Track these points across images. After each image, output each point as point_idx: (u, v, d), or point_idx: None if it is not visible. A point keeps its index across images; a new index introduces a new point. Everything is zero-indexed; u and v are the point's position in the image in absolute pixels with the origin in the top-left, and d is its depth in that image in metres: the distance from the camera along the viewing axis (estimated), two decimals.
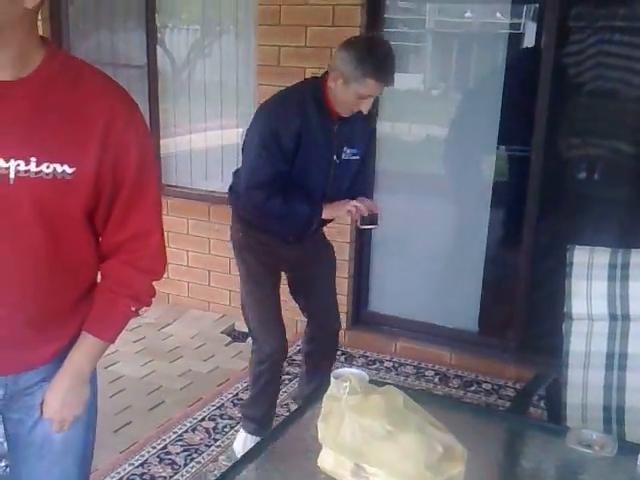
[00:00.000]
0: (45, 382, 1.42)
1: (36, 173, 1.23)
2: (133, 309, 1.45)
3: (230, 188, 2.67)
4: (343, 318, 3.83)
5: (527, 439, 1.87)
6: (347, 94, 2.34)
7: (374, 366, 3.61)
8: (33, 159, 1.23)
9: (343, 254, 3.76)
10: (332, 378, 1.65)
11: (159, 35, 4.24)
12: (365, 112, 2.41)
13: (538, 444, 1.79)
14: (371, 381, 1.71)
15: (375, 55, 2.29)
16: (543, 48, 3.29)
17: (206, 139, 4.35)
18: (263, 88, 3.74)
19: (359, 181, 2.69)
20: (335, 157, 2.50)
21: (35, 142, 1.23)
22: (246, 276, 2.71)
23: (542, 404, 2.49)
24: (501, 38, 3.57)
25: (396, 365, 3.63)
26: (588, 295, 2.25)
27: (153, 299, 1.49)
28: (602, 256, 2.26)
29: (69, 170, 1.25)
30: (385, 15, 3.61)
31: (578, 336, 2.27)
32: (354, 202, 2.48)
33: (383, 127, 3.74)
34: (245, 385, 3.33)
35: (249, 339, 3.80)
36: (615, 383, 2.21)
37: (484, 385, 3.44)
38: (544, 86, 3.27)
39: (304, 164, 2.42)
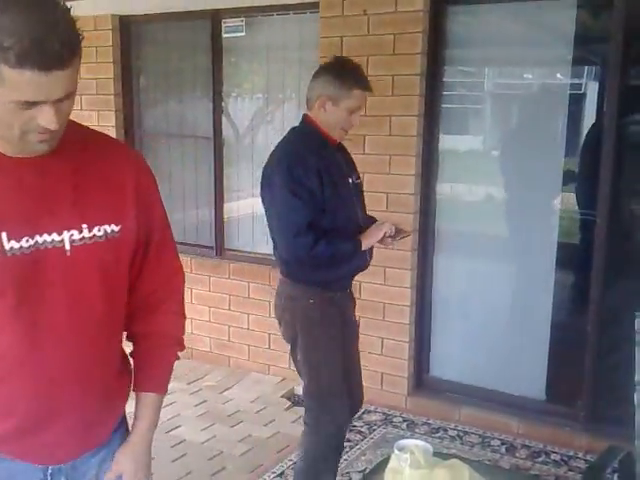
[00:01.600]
0: (104, 463, 1.41)
1: (90, 238, 1.28)
2: (179, 354, 1.49)
3: (283, 266, 2.59)
4: (404, 383, 3.78)
5: None
6: (339, 113, 2.48)
7: (437, 434, 3.51)
8: (85, 225, 1.27)
9: (403, 317, 3.73)
10: (395, 450, 1.62)
11: (223, 104, 4.41)
12: (356, 125, 2.55)
13: None
14: (435, 453, 1.66)
15: (350, 69, 2.52)
16: (605, 109, 3.26)
17: None
18: None
19: None
20: (350, 182, 2.61)
21: (82, 210, 1.28)
22: (314, 343, 2.55)
23: (615, 478, 2.36)
24: (562, 99, 3.55)
25: (460, 434, 3.52)
26: None
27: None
28: None
29: (116, 228, 1.31)
30: (444, 79, 3.66)
31: None
32: (384, 223, 2.58)
33: (443, 188, 3.75)
34: None
35: None
36: None
37: (553, 456, 3.29)
38: (608, 148, 3.22)
39: (334, 199, 2.47)
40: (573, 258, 3.61)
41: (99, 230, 1.28)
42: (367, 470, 3.07)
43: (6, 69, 1.06)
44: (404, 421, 3.65)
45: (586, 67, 3.70)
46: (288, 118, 4.29)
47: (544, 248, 3.56)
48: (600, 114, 3.30)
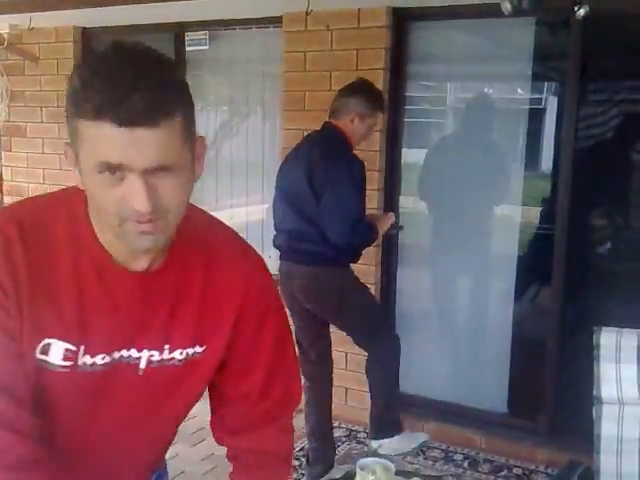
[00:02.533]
0: None
1: (169, 360, 1.14)
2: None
3: (317, 253, 2.93)
4: (368, 398, 3.75)
5: None
6: (364, 128, 2.95)
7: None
8: (167, 346, 1.13)
9: None
10: (357, 469, 1.61)
11: None
12: (368, 140, 3.11)
13: None
14: (397, 472, 1.65)
15: (378, 94, 3.02)
16: (564, 123, 3.31)
17: (232, 216, 4.41)
18: None
19: None
20: None
21: (170, 331, 1.13)
22: (363, 309, 3.08)
23: None
24: (522, 113, 3.61)
25: (424, 448, 3.52)
26: (618, 379, 2.18)
27: None
28: (630, 338, 2.20)
29: (199, 350, 1.16)
30: (407, 94, 3.69)
31: (609, 421, 2.19)
32: (389, 214, 3.22)
33: (406, 202, 3.77)
34: None
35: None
36: None
37: (515, 470, 3.31)
38: (566, 162, 3.27)
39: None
40: (533, 272, 3.65)
41: (181, 354, 1.15)
42: None
43: (83, 124, 0.93)
44: (368, 436, 3.63)
45: (545, 82, 3.76)
46: (253, 131, 4.29)
47: (504, 262, 3.60)
48: (559, 128, 3.35)
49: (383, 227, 3.06)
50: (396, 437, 3.09)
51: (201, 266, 1.15)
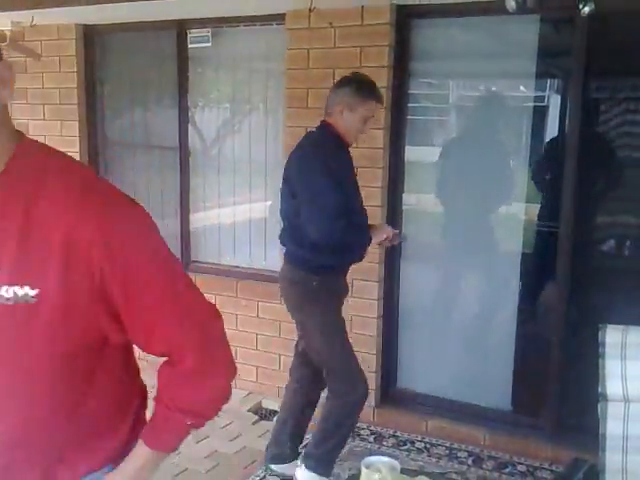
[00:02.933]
0: None
1: None
2: (189, 423, 1.30)
3: (293, 253, 2.90)
4: (372, 395, 3.76)
5: None
6: (354, 119, 2.81)
7: (405, 447, 3.50)
8: None
9: (370, 330, 3.72)
10: (363, 467, 1.60)
11: (190, 114, 4.37)
12: (367, 133, 2.95)
13: None
14: (403, 470, 1.65)
15: (367, 82, 2.87)
16: (568, 121, 3.30)
17: (234, 214, 4.41)
18: None
19: None
20: (356, 179, 2.97)
21: None
22: (322, 325, 2.88)
23: None
24: (525, 111, 3.60)
25: (427, 446, 3.52)
26: (623, 376, 2.19)
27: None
28: (635, 335, 2.21)
29: (32, 293, 1.09)
30: (410, 91, 3.68)
31: (615, 418, 2.19)
32: (387, 225, 3.12)
33: (409, 199, 3.76)
34: None
35: (276, 417, 3.76)
36: None
37: (519, 467, 3.31)
38: (571, 159, 3.26)
39: (349, 192, 2.82)
40: (537, 269, 3.65)
41: (7, 291, 1.08)
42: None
43: None
44: (371, 434, 3.63)
45: (549, 80, 3.76)
46: (255, 128, 4.28)
47: (508, 259, 3.59)
48: (562, 126, 3.34)
49: (379, 236, 2.93)
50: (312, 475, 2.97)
51: (30, 188, 1.11)
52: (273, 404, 3.94)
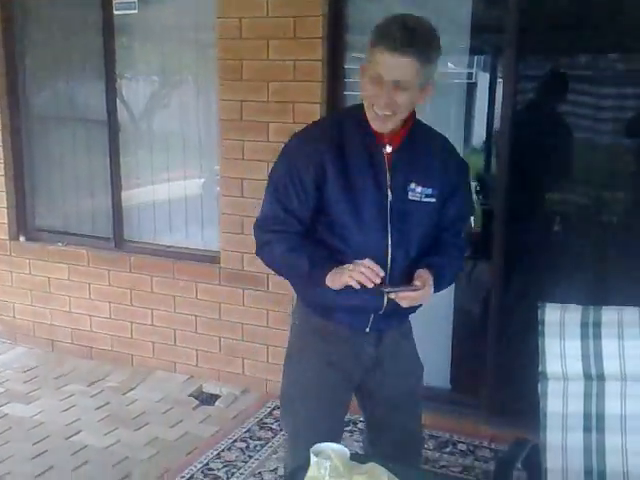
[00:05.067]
0: None
1: None
2: None
3: None
4: None
5: None
6: (364, 86, 1.82)
7: (347, 428, 3.47)
8: None
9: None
10: (312, 455, 1.55)
11: (117, 86, 4.17)
12: (380, 112, 1.80)
13: None
14: (352, 456, 1.61)
15: (387, 20, 1.79)
16: (502, 99, 3.27)
17: (169, 191, 4.26)
18: (227, 142, 3.70)
19: (443, 241, 2.01)
20: (390, 194, 1.87)
21: None
22: (288, 385, 2.11)
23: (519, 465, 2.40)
24: (457, 88, 3.57)
25: None
26: (562, 354, 2.21)
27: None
28: (574, 314, 2.22)
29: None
30: (345, 66, 3.59)
31: (555, 397, 2.21)
32: (358, 267, 1.77)
33: None
34: (215, 454, 3.20)
35: (218, 402, 3.69)
36: (595, 446, 2.15)
37: (459, 446, 3.33)
38: (504, 136, 3.24)
39: (339, 203, 1.86)
40: (475, 246, 3.65)
41: None
42: (280, 470, 3.02)
43: None
44: None
45: (482, 56, 3.72)
46: (185, 101, 4.13)
47: None
48: (492, 102, 3.33)
49: (335, 276, 1.82)
50: None
51: None
52: (214, 388, 3.88)
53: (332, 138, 1.88)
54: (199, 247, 4.05)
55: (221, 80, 3.68)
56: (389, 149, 1.89)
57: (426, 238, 1.96)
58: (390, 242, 1.89)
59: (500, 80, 3.40)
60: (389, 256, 1.90)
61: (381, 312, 1.96)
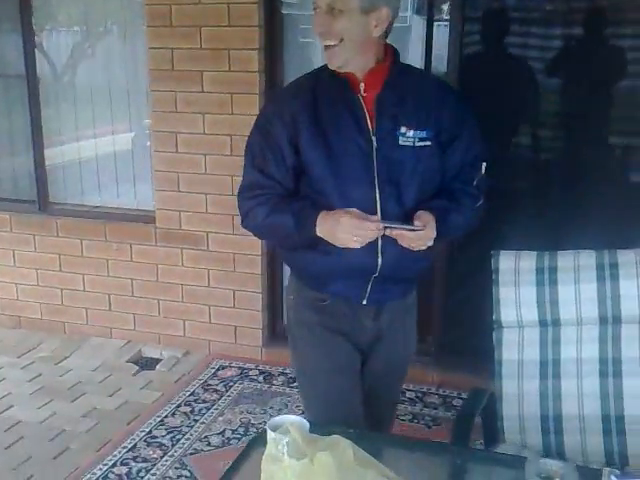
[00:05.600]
0: None
1: None
2: None
3: None
4: (259, 335, 3.63)
5: (488, 474, 1.71)
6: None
7: (294, 384, 3.41)
8: None
9: (254, 268, 3.56)
10: (268, 430, 1.43)
11: (36, 38, 3.89)
12: (321, 42, 1.70)
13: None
14: (312, 427, 1.50)
15: None
16: (449, 44, 3.19)
17: (96, 148, 4.03)
18: (157, 94, 3.50)
19: (451, 189, 1.87)
20: (375, 141, 1.72)
21: None
22: (293, 348, 2.04)
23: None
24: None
25: None
26: (517, 302, 2.17)
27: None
28: (528, 261, 2.18)
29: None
30: (283, 11, 3.42)
31: (510, 345, 2.18)
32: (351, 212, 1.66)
33: None
34: (159, 420, 3.07)
35: (159, 365, 3.56)
36: (550, 392, 2.14)
37: (408, 393, 3.31)
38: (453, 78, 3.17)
39: (317, 161, 1.72)
40: None
41: None
42: (227, 432, 2.93)
43: None
44: (260, 373, 3.52)
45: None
46: (111, 52, 3.90)
47: None
48: (429, 46, 3.27)
49: (328, 228, 1.69)
50: None
51: None
52: (154, 352, 3.73)
53: (305, 92, 1.76)
54: (132, 207, 3.86)
55: (148, 27, 3.46)
56: (364, 92, 1.73)
57: (426, 188, 1.79)
58: (379, 195, 1.73)
59: (438, 24, 3.30)
60: (378, 211, 1.73)
61: (376, 274, 1.83)
